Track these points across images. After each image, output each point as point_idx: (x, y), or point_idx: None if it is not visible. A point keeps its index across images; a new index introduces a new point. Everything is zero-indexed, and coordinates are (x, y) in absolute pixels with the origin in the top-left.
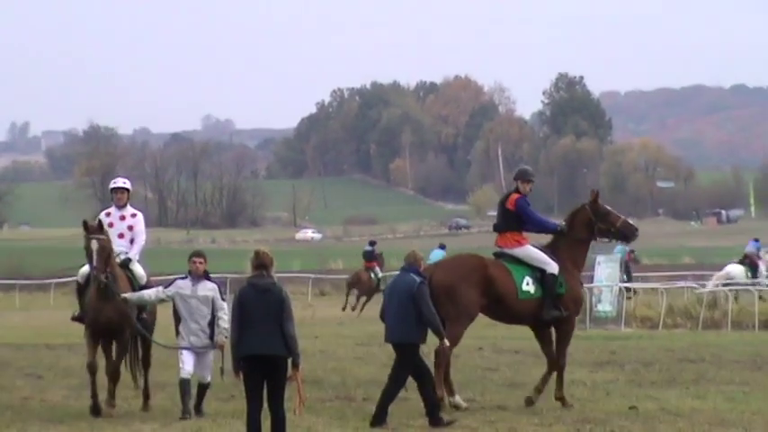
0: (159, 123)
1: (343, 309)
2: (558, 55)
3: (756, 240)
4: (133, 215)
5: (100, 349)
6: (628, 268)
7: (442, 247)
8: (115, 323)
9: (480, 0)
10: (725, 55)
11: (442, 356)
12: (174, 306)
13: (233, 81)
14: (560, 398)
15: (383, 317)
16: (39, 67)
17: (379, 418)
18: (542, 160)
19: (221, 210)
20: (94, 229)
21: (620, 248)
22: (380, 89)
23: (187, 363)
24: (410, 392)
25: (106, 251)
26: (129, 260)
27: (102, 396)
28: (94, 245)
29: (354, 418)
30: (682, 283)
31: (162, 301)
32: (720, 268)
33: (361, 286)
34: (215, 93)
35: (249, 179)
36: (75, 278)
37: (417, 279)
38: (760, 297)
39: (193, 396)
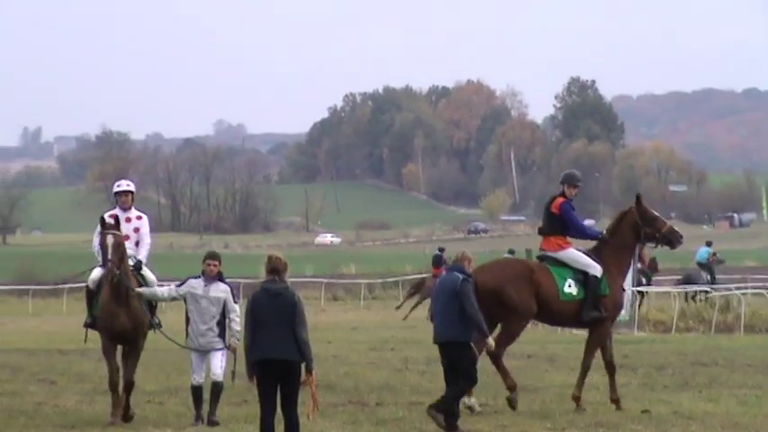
0: (172, 128)
1: (397, 308)
2: (570, 59)
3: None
4: (138, 217)
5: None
6: (712, 270)
7: (441, 250)
8: (129, 330)
9: (492, 5)
10: (737, 59)
11: (482, 351)
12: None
13: (245, 86)
14: (576, 398)
15: (432, 318)
16: (51, 73)
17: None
18: (554, 164)
19: (234, 215)
20: (111, 225)
21: (704, 250)
22: (393, 94)
23: (197, 370)
24: (422, 396)
25: (122, 247)
26: (140, 263)
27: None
28: (110, 240)
29: (367, 423)
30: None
31: (174, 299)
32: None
33: (424, 291)
34: (227, 98)
35: (262, 184)
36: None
37: (461, 276)
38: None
39: (207, 399)
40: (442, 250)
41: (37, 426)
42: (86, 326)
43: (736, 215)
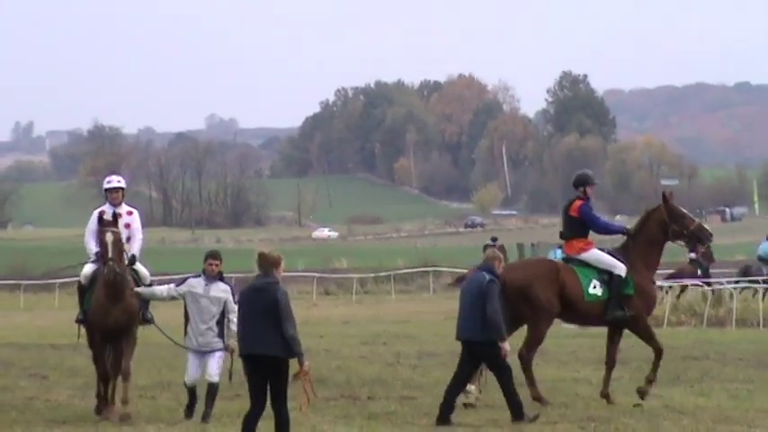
0: (163, 123)
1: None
2: (561, 53)
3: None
4: (129, 213)
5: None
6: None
7: (494, 239)
8: (123, 324)
9: None
10: (728, 53)
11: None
12: (185, 305)
13: (237, 80)
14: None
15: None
16: (43, 67)
17: (517, 413)
18: (546, 158)
19: (226, 209)
20: (109, 222)
21: (766, 245)
22: (384, 88)
23: (192, 370)
24: (414, 391)
25: (120, 244)
26: (134, 258)
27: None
28: (109, 237)
29: (359, 417)
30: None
31: (173, 298)
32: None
33: None
34: (219, 92)
35: (253, 178)
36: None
37: (488, 277)
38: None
39: (201, 397)
40: (495, 240)
41: (28, 420)
42: (78, 322)
43: (727, 209)
